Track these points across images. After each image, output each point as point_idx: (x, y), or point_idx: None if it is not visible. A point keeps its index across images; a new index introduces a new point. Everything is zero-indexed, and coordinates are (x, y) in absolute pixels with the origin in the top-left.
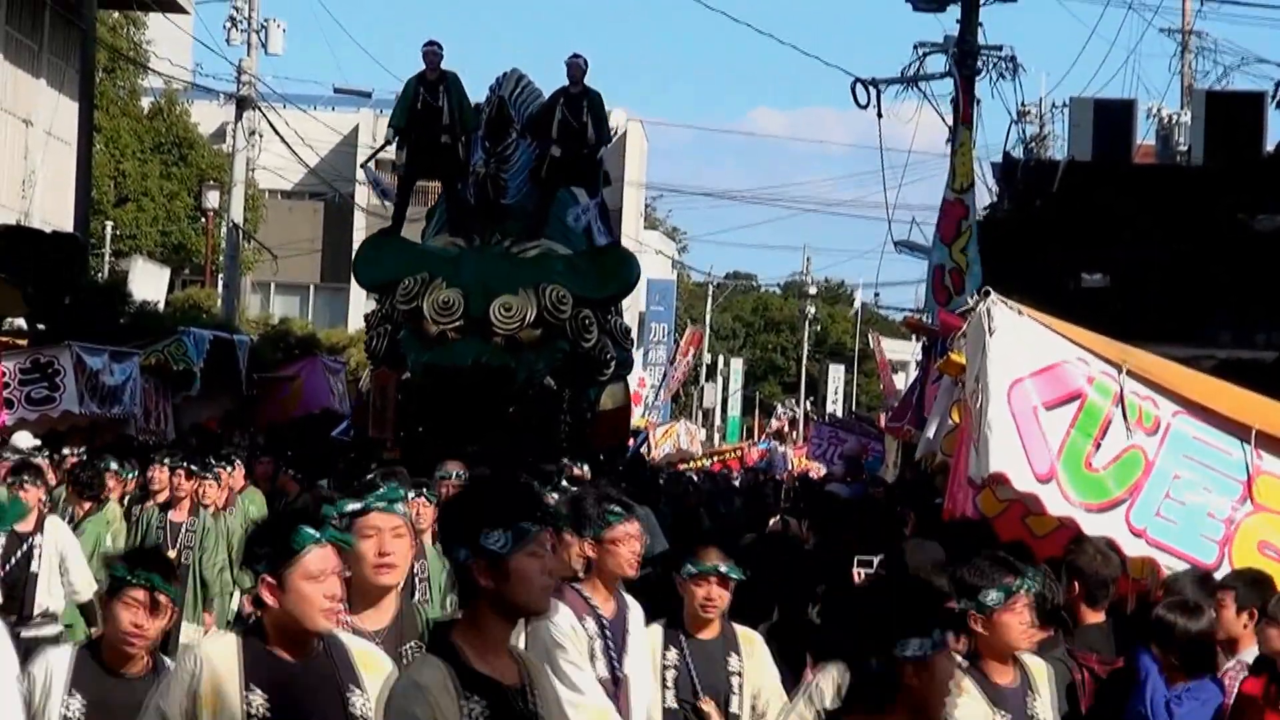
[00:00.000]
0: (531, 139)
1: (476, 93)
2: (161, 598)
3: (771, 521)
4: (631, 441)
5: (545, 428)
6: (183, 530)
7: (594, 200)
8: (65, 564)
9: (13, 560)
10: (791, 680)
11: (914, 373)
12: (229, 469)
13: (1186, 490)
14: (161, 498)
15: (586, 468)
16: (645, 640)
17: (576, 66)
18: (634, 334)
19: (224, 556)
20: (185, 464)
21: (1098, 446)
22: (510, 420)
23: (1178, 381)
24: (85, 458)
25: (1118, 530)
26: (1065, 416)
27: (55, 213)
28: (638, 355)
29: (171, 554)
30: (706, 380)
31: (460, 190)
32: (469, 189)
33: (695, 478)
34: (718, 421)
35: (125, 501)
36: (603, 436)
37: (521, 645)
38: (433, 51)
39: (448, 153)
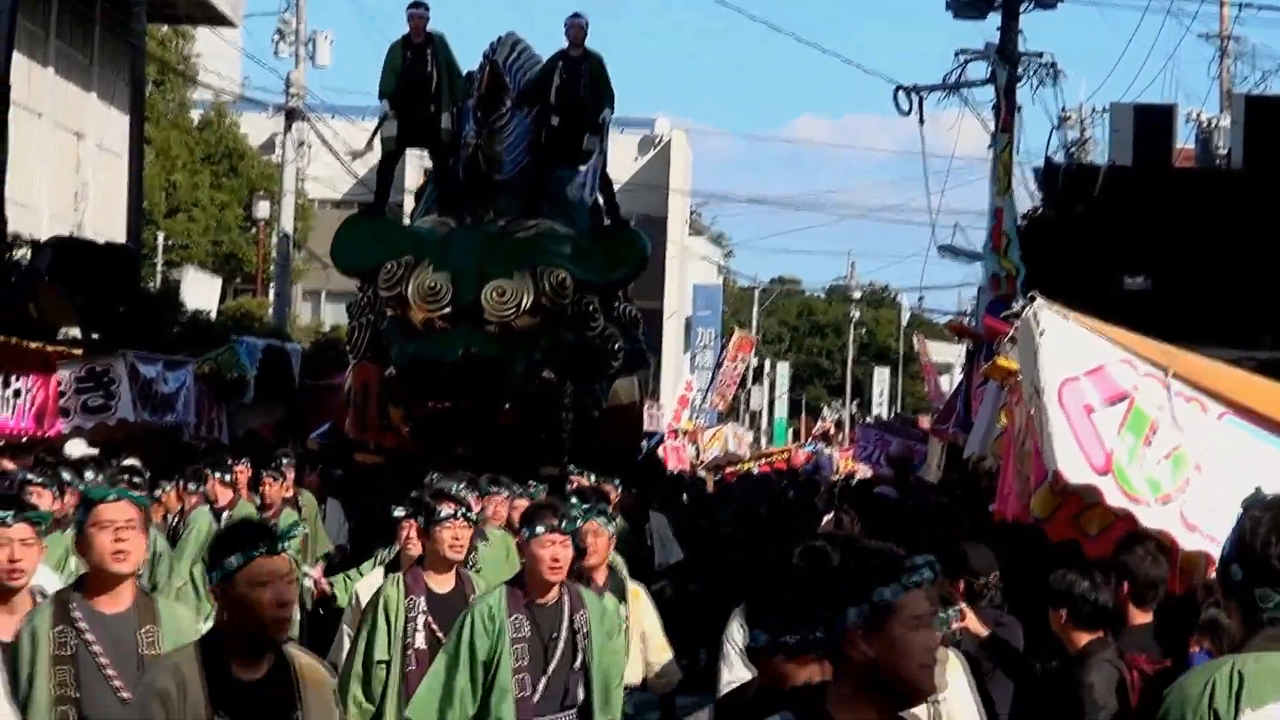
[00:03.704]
0: (528, 109)
1: (470, 61)
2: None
3: (825, 519)
4: (646, 442)
5: (545, 427)
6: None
7: (594, 162)
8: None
9: None
10: None
11: (958, 376)
12: (278, 478)
13: (1238, 487)
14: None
15: (593, 478)
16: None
17: (577, 27)
18: (681, 339)
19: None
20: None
21: (1148, 445)
22: (505, 419)
23: (1224, 383)
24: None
25: (1173, 524)
26: (1116, 415)
27: (107, 224)
28: (685, 360)
29: None
30: (754, 384)
31: (450, 165)
32: (459, 164)
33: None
34: (764, 425)
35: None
36: (612, 435)
37: None
38: (418, 14)
39: (436, 124)
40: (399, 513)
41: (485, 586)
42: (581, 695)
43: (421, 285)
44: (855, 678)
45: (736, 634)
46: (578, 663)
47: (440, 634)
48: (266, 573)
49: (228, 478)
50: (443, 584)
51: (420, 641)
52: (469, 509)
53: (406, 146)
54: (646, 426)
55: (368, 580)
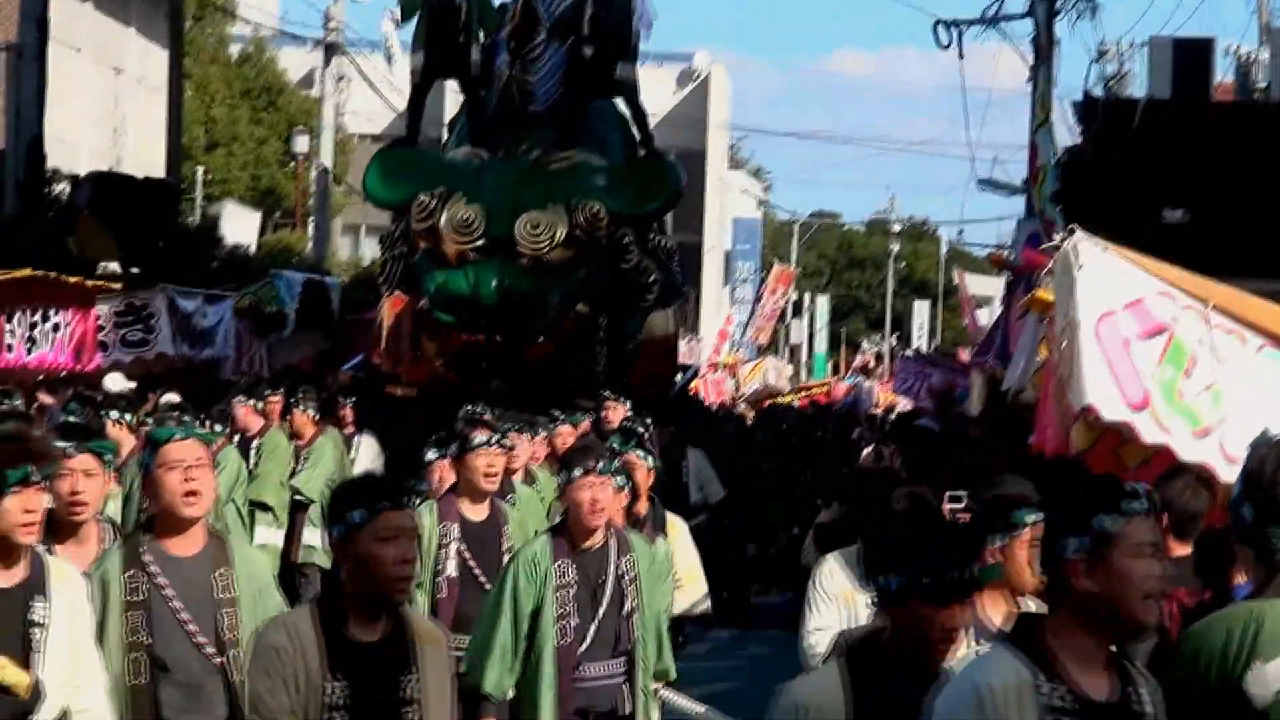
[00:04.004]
0: (562, 40)
1: None
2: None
3: (865, 452)
4: (681, 376)
5: (579, 360)
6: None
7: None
8: None
9: None
10: None
11: (998, 309)
12: (307, 408)
13: (1278, 419)
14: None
15: (628, 404)
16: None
17: None
18: (720, 273)
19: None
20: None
21: (1188, 377)
22: (538, 353)
23: (1263, 316)
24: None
25: (1213, 456)
26: (1155, 348)
27: (147, 159)
28: (724, 294)
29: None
30: (793, 317)
31: (483, 97)
32: (492, 95)
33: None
34: (805, 358)
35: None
36: (647, 369)
37: None
38: None
39: (466, 55)
40: (430, 455)
41: (519, 521)
42: (631, 640)
43: (454, 218)
44: (1075, 610)
45: (824, 579)
46: (626, 608)
47: (472, 562)
48: (391, 528)
49: (260, 405)
50: (477, 512)
51: (451, 569)
52: (504, 435)
53: (435, 78)
54: (686, 360)
55: None
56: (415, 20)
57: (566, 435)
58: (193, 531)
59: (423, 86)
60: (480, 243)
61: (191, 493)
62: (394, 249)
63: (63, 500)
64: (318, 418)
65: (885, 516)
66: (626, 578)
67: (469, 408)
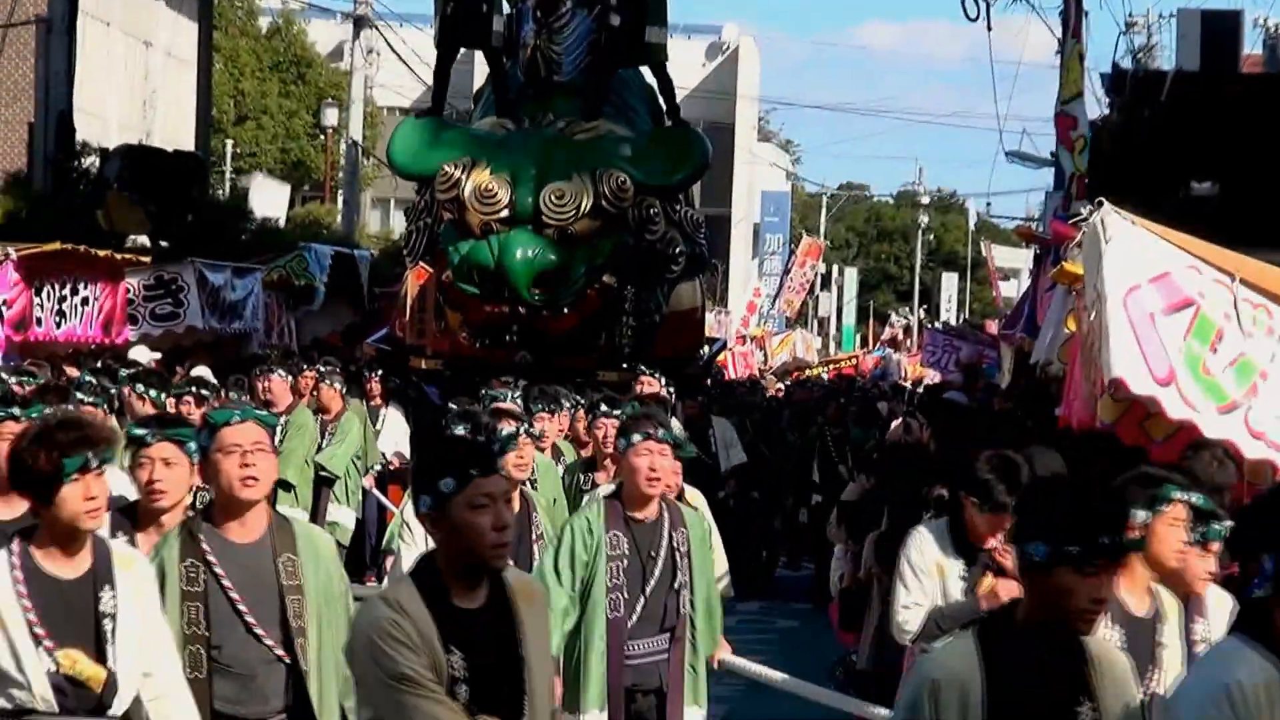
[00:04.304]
0: (588, 8)
1: None
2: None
3: (894, 424)
4: (707, 349)
5: (605, 332)
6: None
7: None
8: None
9: None
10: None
11: (1026, 281)
12: (333, 382)
13: None
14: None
15: (662, 379)
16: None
17: None
18: (749, 245)
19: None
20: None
21: (1214, 351)
22: (563, 325)
23: None
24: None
25: (1238, 432)
26: (1181, 322)
27: (176, 132)
28: (753, 266)
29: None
30: (822, 290)
31: (508, 66)
32: (518, 65)
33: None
34: (833, 331)
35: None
36: (672, 341)
37: None
38: None
39: (489, 25)
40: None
41: (543, 501)
42: (679, 616)
43: (479, 188)
44: None
45: (914, 554)
46: (677, 582)
47: None
48: (485, 495)
49: (292, 380)
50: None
51: None
52: (530, 425)
53: (459, 47)
54: (714, 333)
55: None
56: None
57: (609, 428)
58: (253, 516)
59: (447, 56)
60: (504, 214)
61: (250, 478)
62: (418, 220)
63: (141, 489)
64: (344, 391)
65: (1030, 484)
66: (679, 552)
67: (488, 392)
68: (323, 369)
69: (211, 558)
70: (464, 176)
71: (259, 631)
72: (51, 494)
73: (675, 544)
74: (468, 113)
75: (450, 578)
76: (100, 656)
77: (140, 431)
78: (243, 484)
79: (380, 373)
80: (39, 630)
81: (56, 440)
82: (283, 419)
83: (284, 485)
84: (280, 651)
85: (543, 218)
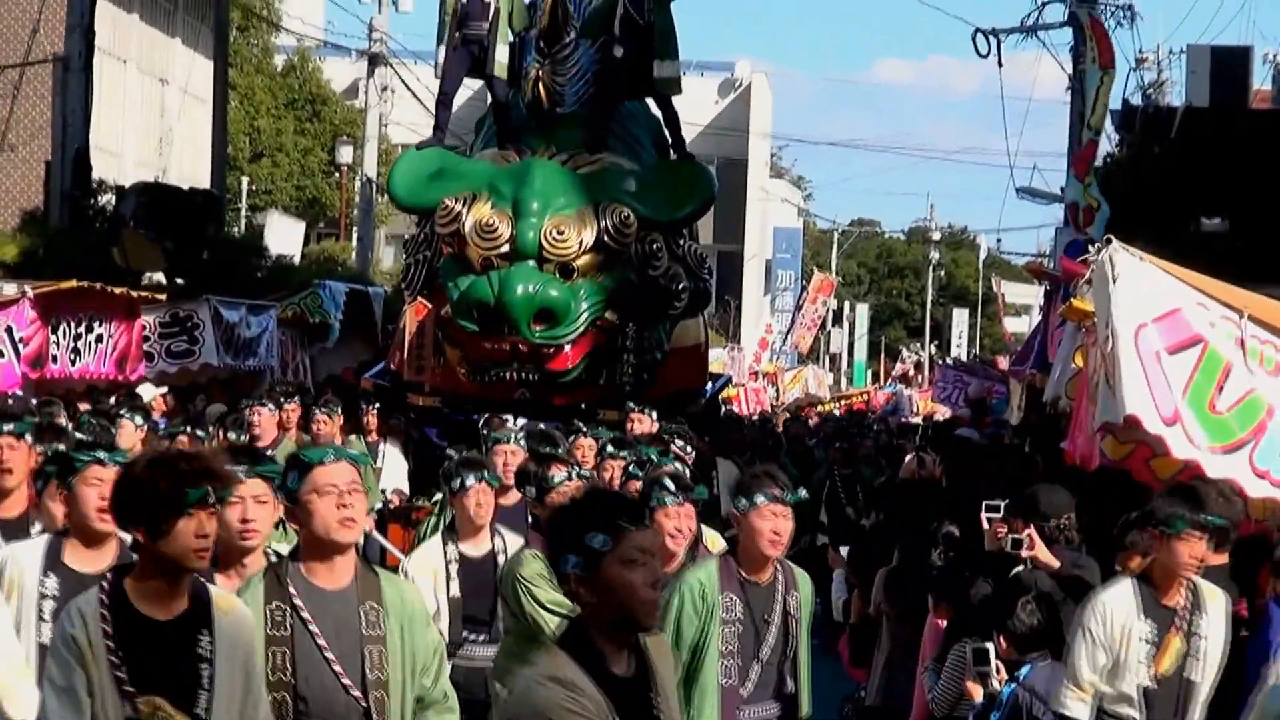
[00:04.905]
0: (592, 39)
1: None
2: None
3: (907, 459)
4: (711, 385)
5: (606, 369)
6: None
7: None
8: None
9: None
10: (912, 624)
11: (1036, 317)
12: (332, 415)
13: None
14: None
15: (653, 415)
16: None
17: None
18: (761, 281)
19: None
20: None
21: (1220, 390)
22: (564, 362)
23: None
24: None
25: (1241, 472)
26: (1189, 361)
27: (192, 169)
28: (765, 302)
29: None
30: (833, 326)
31: (510, 97)
32: (520, 96)
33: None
34: (844, 366)
35: None
36: (675, 377)
37: None
38: None
39: (490, 56)
40: (469, 481)
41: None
42: (795, 683)
43: (479, 222)
44: None
45: (1097, 625)
46: (789, 648)
47: (464, 601)
48: (637, 550)
49: (275, 413)
50: (475, 547)
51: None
52: (489, 471)
53: (462, 77)
54: (727, 369)
55: (421, 555)
56: (441, 18)
57: (586, 449)
58: (342, 562)
59: (450, 87)
60: (505, 249)
61: (349, 519)
62: (417, 253)
63: (233, 528)
64: (342, 425)
65: None
66: (793, 617)
67: (491, 433)
68: (324, 401)
69: (299, 601)
70: (465, 210)
71: (346, 681)
72: (165, 526)
73: (789, 608)
74: (470, 144)
75: (601, 641)
76: (190, 705)
77: (233, 467)
78: (341, 525)
79: (378, 406)
80: (120, 674)
81: (179, 469)
82: (269, 452)
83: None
84: (366, 703)
85: (544, 253)
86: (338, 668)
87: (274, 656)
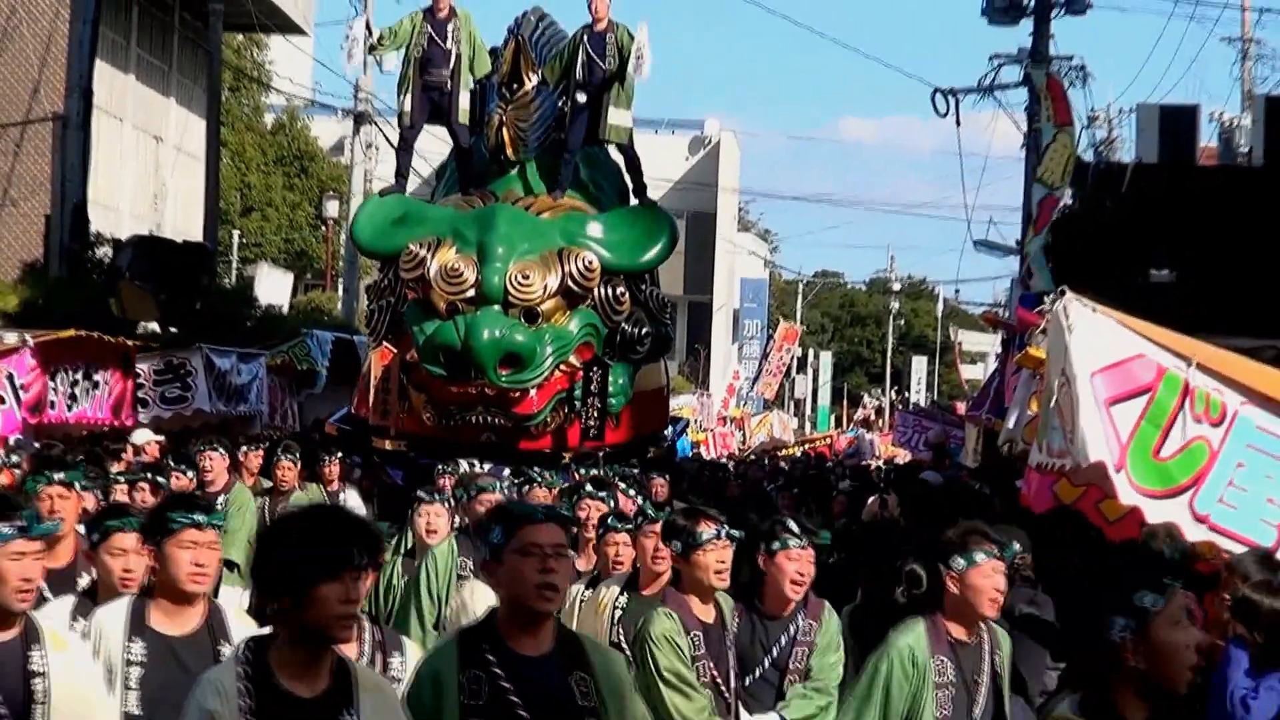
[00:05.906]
0: (554, 86)
1: (494, 36)
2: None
3: (870, 500)
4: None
5: (571, 413)
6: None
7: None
8: None
9: None
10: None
11: (993, 364)
12: (295, 462)
13: (1249, 477)
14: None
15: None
16: None
17: (598, 2)
18: (729, 330)
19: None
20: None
21: (1165, 437)
22: (529, 406)
23: (1244, 373)
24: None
25: (1181, 516)
26: (1135, 409)
27: (185, 223)
28: (733, 350)
29: None
30: (798, 373)
31: (473, 142)
32: (483, 141)
33: (734, 467)
34: (809, 411)
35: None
36: (637, 422)
37: None
38: None
39: (454, 103)
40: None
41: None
42: None
43: (444, 267)
44: None
45: None
46: (1000, 708)
47: None
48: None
49: (224, 457)
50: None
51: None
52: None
53: (422, 123)
54: (697, 415)
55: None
56: (400, 65)
57: (540, 497)
58: (544, 628)
59: (410, 133)
60: (470, 293)
61: (549, 586)
62: (381, 298)
63: (184, 571)
64: (300, 471)
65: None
66: (1000, 676)
67: (475, 484)
68: (284, 447)
69: (497, 669)
70: (429, 255)
71: None
72: (307, 591)
73: (997, 667)
74: (432, 191)
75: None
76: None
77: (186, 516)
78: (540, 591)
79: (339, 454)
80: None
81: (323, 529)
82: (221, 498)
83: (229, 565)
84: None
85: (509, 297)
86: None
87: None
